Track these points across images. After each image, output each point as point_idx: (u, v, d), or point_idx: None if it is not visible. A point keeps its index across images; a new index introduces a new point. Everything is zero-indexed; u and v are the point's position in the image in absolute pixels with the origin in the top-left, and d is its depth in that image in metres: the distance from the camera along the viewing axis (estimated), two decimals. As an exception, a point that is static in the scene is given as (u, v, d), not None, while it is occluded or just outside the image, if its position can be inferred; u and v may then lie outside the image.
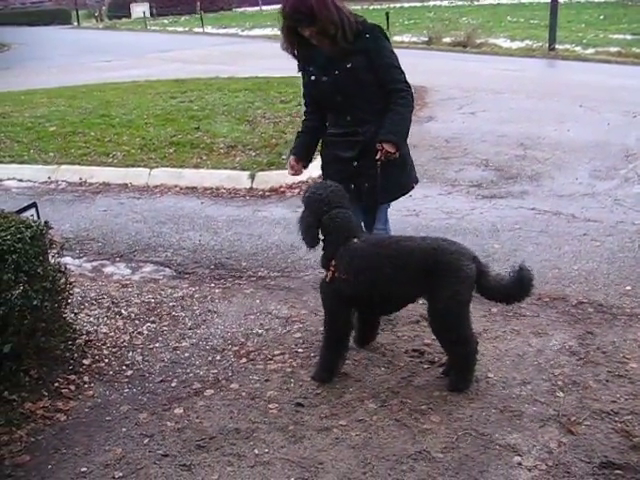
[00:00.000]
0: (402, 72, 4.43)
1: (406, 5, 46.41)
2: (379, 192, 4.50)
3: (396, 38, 25.80)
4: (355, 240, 4.06)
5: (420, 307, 5.02)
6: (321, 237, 4.21)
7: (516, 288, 4.03)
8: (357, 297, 4.08)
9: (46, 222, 4.24)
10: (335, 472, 3.41)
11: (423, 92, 14.47)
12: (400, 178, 4.64)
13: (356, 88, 4.37)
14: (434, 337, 4.54)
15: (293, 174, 4.80)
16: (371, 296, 4.04)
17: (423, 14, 37.54)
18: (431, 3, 48.49)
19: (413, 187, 4.88)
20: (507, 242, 6.28)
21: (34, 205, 4.60)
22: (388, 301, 4.14)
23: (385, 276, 3.95)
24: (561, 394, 3.97)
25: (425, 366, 4.33)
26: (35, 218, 4.42)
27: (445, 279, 3.89)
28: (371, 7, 46.11)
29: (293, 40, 4.38)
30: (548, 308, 5.04)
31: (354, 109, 4.43)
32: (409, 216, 6.97)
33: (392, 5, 43.84)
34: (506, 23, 30.53)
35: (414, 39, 25.89)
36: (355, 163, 4.50)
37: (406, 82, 4.44)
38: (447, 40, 24.30)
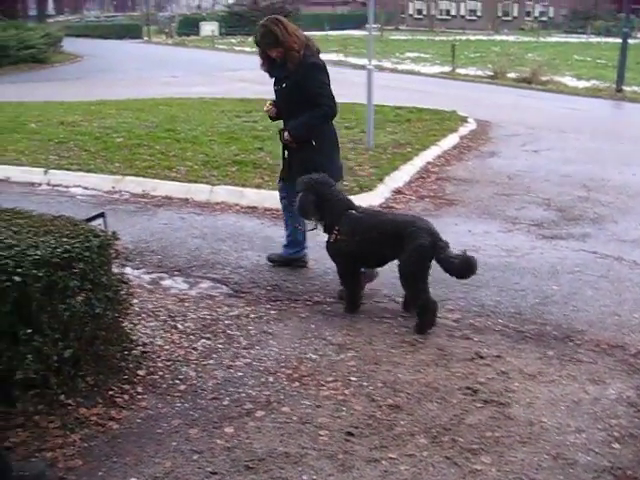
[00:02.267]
0: (325, 96, 5.84)
1: (472, 38, 46.43)
2: (289, 172, 6.13)
3: (460, 71, 25.86)
4: (353, 211, 5.48)
5: (475, 345, 5.01)
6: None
7: (464, 268, 5.27)
8: (353, 253, 5.43)
9: (114, 233, 4.31)
10: (381, 505, 3.40)
11: (487, 127, 14.46)
12: (304, 165, 5.82)
13: (291, 100, 5.93)
14: (488, 376, 4.54)
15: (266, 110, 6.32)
16: (362, 252, 5.42)
17: (488, 48, 37.53)
18: (497, 37, 48.47)
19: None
20: (566, 285, 6.20)
21: (102, 215, 4.68)
22: (374, 257, 5.52)
23: (373, 239, 5.33)
24: (617, 446, 3.90)
25: (478, 405, 4.28)
26: (103, 228, 4.49)
27: (407, 245, 5.19)
28: (437, 38, 46.28)
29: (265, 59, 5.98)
30: (606, 355, 4.95)
31: (289, 114, 5.99)
32: (468, 251, 6.90)
33: (458, 37, 43.89)
34: (573, 61, 30.38)
35: (479, 72, 25.86)
36: (285, 152, 6.20)
37: (327, 104, 5.86)
38: (512, 75, 24.24)
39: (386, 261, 5.53)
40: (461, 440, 3.91)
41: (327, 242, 5.53)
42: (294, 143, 5.94)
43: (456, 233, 7.51)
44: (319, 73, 5.86)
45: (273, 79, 6.11)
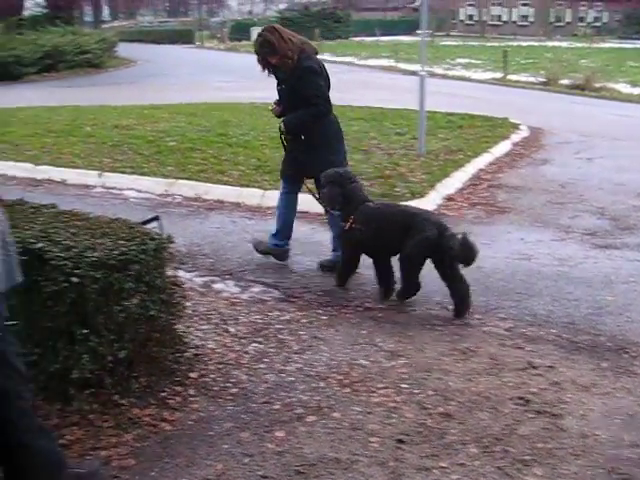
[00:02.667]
0: (319, 96, 6.35)
1: (524, 44, 46.00)
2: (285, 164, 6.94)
3: (512, 77, 25.61)
4: (368, 204, 6.01)
5: (527, 354, 4.95)
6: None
7: (465, 253, 5.64)
8: (365, 241, 5.93)
9: (169, 236, 4.35)
10: (432, 514, 3.37)
11: (539, 134, 14.31)
12: (299, 159, 6.59)
13: (290, 100, 6.44)
14: (541, 386, 4.49)
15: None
16: (374, 241, 5.89)
17: (541, 54, 37.11)
18: (549, 43, 47.95)
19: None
20: (621, 295, 6.10)
21: (157, 218, 4.73)
22: (385, 246, 5.94)
23: (384, 229, 5.83)
24: (675, 462, 3.82)
25: (530, 415, 4.23)
26: (158, 231, 4.54)
27: (415, 235, 5.67)
28: (488, 44, 45.94)
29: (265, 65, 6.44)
30: (663, 368, 4.87)
31: (290, 112, 6.48)
32: (521, 260, 6.86)
33: (509, 43, 43.53)
34: (627, 68, 29.88)
35: (531, 79, 25.59)
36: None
37: (321, 103, 6.37)
38: (565, 82, 23.91)
39: (395, 252, 5.89)
40: (513, 451, 3.87)
41: (342, 230, 6.06)
42: (288, 135, 6.59)
43: (508, 241, 7.46)
44: (313, 76, 6.38)
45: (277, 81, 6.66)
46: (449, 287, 5.75)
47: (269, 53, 6.31)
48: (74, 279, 3.79)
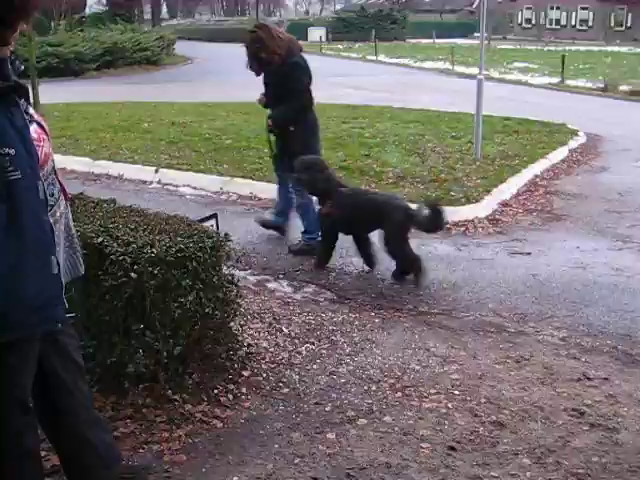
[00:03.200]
0: (302, 90, 6.93)
1: (582, 48, 45.35)
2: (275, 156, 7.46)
3: (570, 82, 25.24)
4: (343, 189, 6.59)
5: (582, 365, 4.87)
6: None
7: (434, 221, 6.32)
8: (341, 222, 6.52)
9: (226, 234, 4.38)
10: (483, 524, 3.33)
11: (597, 141, 14.10)
12: (288, 151, 6.99)
13: (276, 93, 6.96)
14: (596, 398, 4.41)
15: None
16: (348, 222, 6.51)
17: (599, 59, 36.55)
18: (608, 48, 47.18)
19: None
20: (680, 308, 5.97)
21: (215, 216, 4.76)
22: (358, 226, 6.61)
23: (358, 211, 6.48)
24: None
25: (585, 428, 4.15)
26: (215, 229, 4.57)
27: (386, 220, 6.30)
28: (545, 48, 45.40)
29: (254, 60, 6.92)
30: None
31: (274, 104, 7.07)
32: (577, 268, 6.76)
33: (567, 48, 42.95)
34: (690, 74, 29.23)
35: (589, 84, 25.20)
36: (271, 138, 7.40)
37: (306, 97, 6.97)
38: (624, 88, 23.47)
39: (367, 231, 6.61)
40: (566, 463, 3.79)
41: (319, 213, 6.68)
42: (276, 129, 7.14)
43: (564, 249, 7.36)
44: (299, 71, 6.91)
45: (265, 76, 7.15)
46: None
47: (260, 49, 6.80)
48: (132, 274, 3.83)
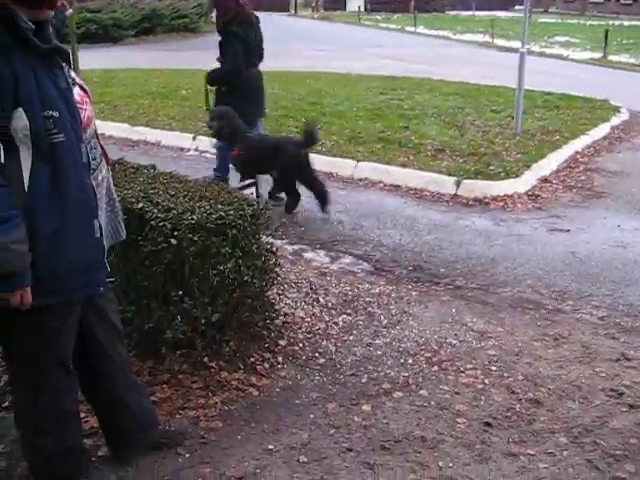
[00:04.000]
0: (232, 59, 7.46)
1: (626, 23, 44.46)
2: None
3: (613, 58, 24.76)
4: (250, 134, 7.27)
5: (621, 345, 4.80)
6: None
7: (309, 141, 7.24)
8: (250, 163, 7.11)
9: (266, 202, 4.36)
10: (519, 501, 3.30)
11: (640, 118, 13.81)
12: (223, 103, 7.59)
13: (219, 50, 7.68)
14: (635, 379, 4.34)
15: None
16: (257, 162, 7.12)
17: (644, 33, 35.78)
18: (654, 21, 46.17)
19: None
20: None
21: (255, 183, 4.75)
22: (263, 166, 7.24)
23: (262, 153, 7.16)
24: None
25: (623, 409, 4.08)
26: (255, 196, 4.56)
27: (281, 158, 7.10)
28: (588, 22, 44.58)
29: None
30: None
31: (219, 60, 7.70)
32: (617, 247, 6.65)
33: (611, 22, 42.13)
34: None
35: (632, 60, 24.67)
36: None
37: (236, 66, 7.45)
38: (670, 64, 22.98)
39: (271, 169, 7.36)
40: (603, 444, 3.74)
41: (231, 156, 7.37)
42: (210, 86, 7.92)
43: (604, 227, 7.24)
44: (236, 40, 7.42)
45: None
46: (312, 189, 7.36)
47: (215, 3, 7.83)
48: (172, 240, 3.83)
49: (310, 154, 7.42)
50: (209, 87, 7.98)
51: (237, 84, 7.52)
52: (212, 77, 7.77)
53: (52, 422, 3.07)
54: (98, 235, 2.88)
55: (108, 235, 3.05)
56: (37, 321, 2.81)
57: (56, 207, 2.69)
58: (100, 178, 2.97)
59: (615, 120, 13.12)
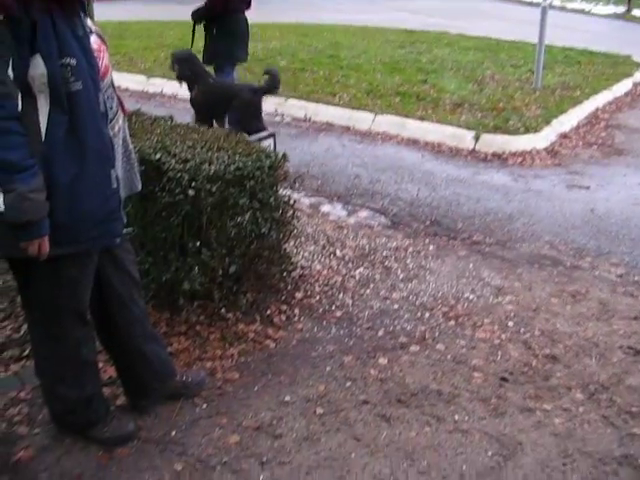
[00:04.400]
0: None
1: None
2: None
3: (636, 12, 24.28)
4: (210, 79, 7.30)
5: (639, 303, 4.77)
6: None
7: (271, 85, 7.12)
8: (205, 106, 7.18)
9: (284, 154, 4.31)
10: (534, 456, 3.29)
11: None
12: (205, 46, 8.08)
13: None
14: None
15: None
16: (211, 104, 7.12)
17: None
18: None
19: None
20: None
21: (273, 135, 4.71)
22: (218, 108, 7.12)
23: (216, 95, 7.14)
24: None
25: (640, 366, 4.09)
26: (272, 148, 4.51)
27: (235, 101, 6.97)
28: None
29: None
30: None
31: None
32: (637, 205, 6.59)
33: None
34: None
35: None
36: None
37: (213, 4, 7.95)
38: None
39: (226, 112, 7.24)
40: (619, 401, 3.74)
41: (190, 97, 7.44)
42: (195, 24, 8.18)
43: (624, 185, 7.17)
44: None
45: None
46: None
47: None
48: (190, 191, 3.80)
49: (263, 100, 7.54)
50: (196, 26, 8.23)
51: (226, 27, 7.91)
52: (194, 14, 8.08)
53: (71, 371, 3.09)
54: (115, 185, 2.86)
55: (124, 186, 3.03)
56: (54, 270, 2.81)
57: (73, 156, 2.67)
58: (117, 128, 2.95)
59: (638, 76, 12.92)
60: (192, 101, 7.48)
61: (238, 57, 8.29)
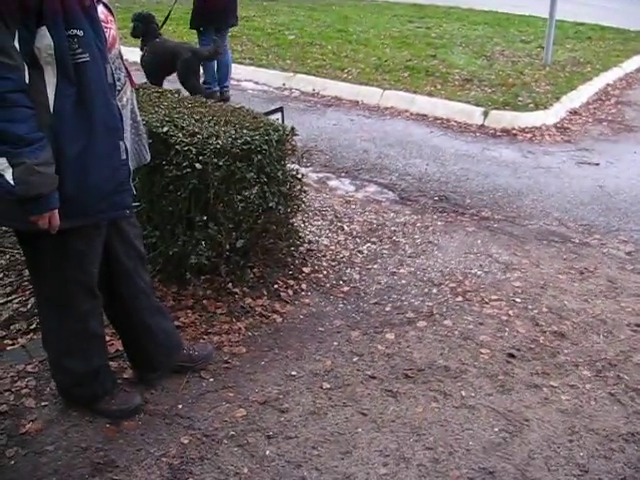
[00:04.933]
0: None
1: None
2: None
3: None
4: (158, 39, 7.72)
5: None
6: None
7: (214, 52, 7.80)
8: (152, 65, 7.67)
9: (292, 128, 4.29)
10: (540, 432, 3.29)
11: None
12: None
13: None
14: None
15: None
16: (160, 63, 7.66)
17: None
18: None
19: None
20: None
21: (281, 109, 4.67)
22: (166, 67, 7.72)
23: (162, 55, 7.65)
24: None
25: (648, 343, 4.07)
26: (280, 122, 4.48)
27: (179, 58, 7.60)
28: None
29: None
30: None
31: None
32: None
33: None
34: None
35: None
36: None
37: None
38: None
39: (174, 70, 7.83)
40: (627, 378, 3.73)
41: (140, 57, 7.88)
42: None
43: (634, 161, 7.11)
44: None
45: None
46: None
47: None
48: (197, 165, 3.79)
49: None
50: None
51: None
52: None
53: (78, 344, 3.09)
54: (124, 157, 2.85)
55: (133, 158, 3.01)
56: (62, 243, 2.80)
57: (82, 128, 2.65)
58: (125, 100, 2.93)
59: (649, 52, 12.78)
60: (141, 61, 7.91)
61: (228, 23, 8.48)
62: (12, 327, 3.90)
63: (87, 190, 2.72)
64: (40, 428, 3.19)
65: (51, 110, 2.58)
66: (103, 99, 2.70)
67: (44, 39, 2.50)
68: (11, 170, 2.46)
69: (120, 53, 2.93)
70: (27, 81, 2.50)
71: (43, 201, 2.56)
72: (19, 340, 3.79)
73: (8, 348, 3.73)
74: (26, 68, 2.50)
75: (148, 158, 3.20)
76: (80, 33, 2.58)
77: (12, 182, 2.47)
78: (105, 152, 2.75)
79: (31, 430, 3.18)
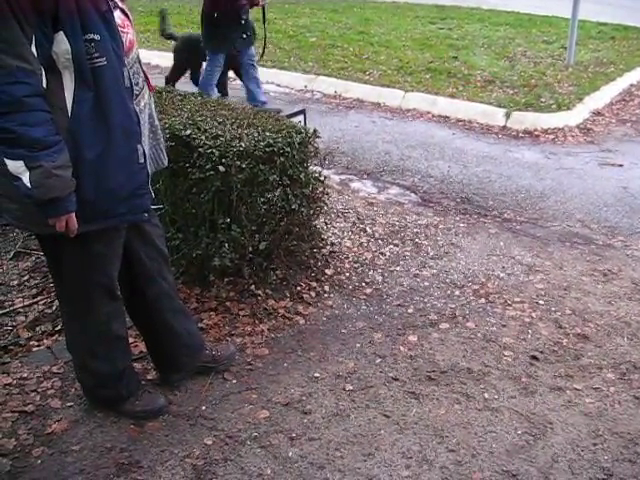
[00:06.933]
0: None
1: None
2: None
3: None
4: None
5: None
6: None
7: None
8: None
9: (314, 130, 4.30)
10: (564, 436, 3.27)
11: None
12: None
13: None
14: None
15: None
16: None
17: None
18: None
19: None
20: None
21: (303, 112, 4.69)
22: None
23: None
24: None
25: (674, 346, 4.04)
26: (302, 125, 4.49)
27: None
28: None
29: None
30: None
31: None
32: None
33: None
34: None
35: None
36: None
37: None
38: None
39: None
40: (652, 380, 3.72)
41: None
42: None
43: (658, 162, 7.06)
44: None
45: None
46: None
47: None
48: (220, 168, 3.80)
49: None
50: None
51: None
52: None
53: (101, 346, 3.12)
54: (142, 161, 2.86)
55: (151, 162, 3.03)
56: (82, 246, 2.82)
57: (99, 132, 2.67)
58: (143, 104, 2.94)
59: (673, 52, 12.66)
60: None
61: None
62: (37, 329, 3.94)
63: (105, 194, 2.74)
64: (66, 428, 3.23)
65: (69, 114, 2.61)
66: (121, 103, 2.73)
67: (62, 44, 2.52)
68: (28, 173, 2.48)
69: (138, 57, 2.95)
70: (45, 85, 2.52)
71: (60, 204, 2.58)
72: (44, 341, 3.83)
73: (34, 349, 3.77)
74: (43, 73, 2.52)
75: (166, 162, 3.22)
76: (97, 37, 2.60)
77: (29, 185, 2.49)
78: (123, 156, 2.77)
79: (57, 430, 3.21)
